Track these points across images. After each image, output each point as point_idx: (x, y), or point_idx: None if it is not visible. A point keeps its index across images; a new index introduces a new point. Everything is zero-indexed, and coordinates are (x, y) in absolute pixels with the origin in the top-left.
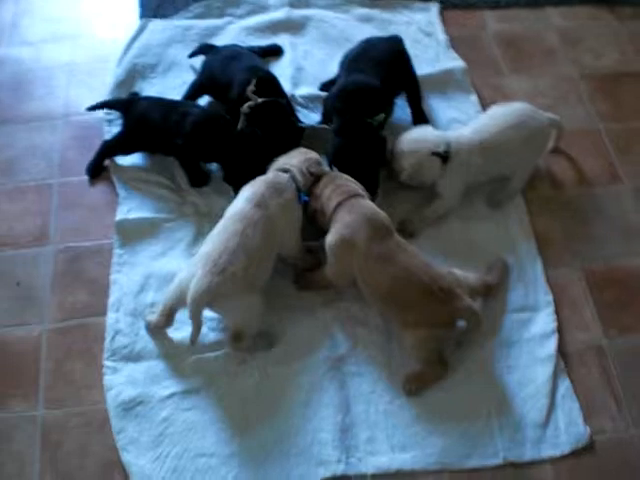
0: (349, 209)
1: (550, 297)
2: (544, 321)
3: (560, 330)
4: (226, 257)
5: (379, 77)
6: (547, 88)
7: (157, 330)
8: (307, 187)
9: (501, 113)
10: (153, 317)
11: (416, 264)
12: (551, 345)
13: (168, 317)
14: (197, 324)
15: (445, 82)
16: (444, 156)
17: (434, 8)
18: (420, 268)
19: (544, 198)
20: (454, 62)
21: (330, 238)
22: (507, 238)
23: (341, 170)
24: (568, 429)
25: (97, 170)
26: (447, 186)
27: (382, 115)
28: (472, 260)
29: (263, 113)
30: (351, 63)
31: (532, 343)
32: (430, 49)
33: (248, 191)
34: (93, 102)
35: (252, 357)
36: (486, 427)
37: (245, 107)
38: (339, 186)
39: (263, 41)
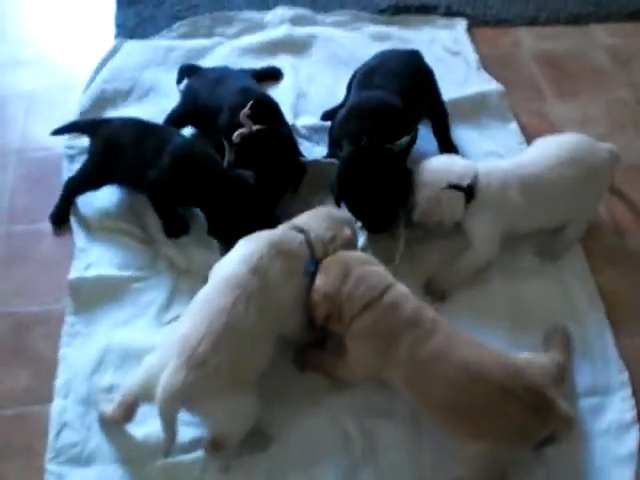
0: (383, 314)
1: (625, 376)
2: (620, 408)
3: None
4: (208, 344)
5: (399, 94)
6: (599, 115)
7: (113, 424)
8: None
9: (550, 146)
10: (109, 408)
11: (481, 356)
12: (631, 440)
13: (128, 411)
14: (171, 431)
15: (478, 108)
16: (467, 191)
17: (460, 25)
18: (489, 360)
19: (608, 249)
20: (488, 84)
21: (357, 348)
22: (565, 299)
23: (352, 209)
24: None
25: (63, 216)
26: (478, 231)
27: (406, 139)
28: (521, 328)
29: (258, 144)
30: (364, 78)
31: (606, 437)
32: (458, 70)
33: (244, 249)
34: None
35: (239, 462)
36: None
37: (236, 135)
38: (361, 279)
39: (260, 63)
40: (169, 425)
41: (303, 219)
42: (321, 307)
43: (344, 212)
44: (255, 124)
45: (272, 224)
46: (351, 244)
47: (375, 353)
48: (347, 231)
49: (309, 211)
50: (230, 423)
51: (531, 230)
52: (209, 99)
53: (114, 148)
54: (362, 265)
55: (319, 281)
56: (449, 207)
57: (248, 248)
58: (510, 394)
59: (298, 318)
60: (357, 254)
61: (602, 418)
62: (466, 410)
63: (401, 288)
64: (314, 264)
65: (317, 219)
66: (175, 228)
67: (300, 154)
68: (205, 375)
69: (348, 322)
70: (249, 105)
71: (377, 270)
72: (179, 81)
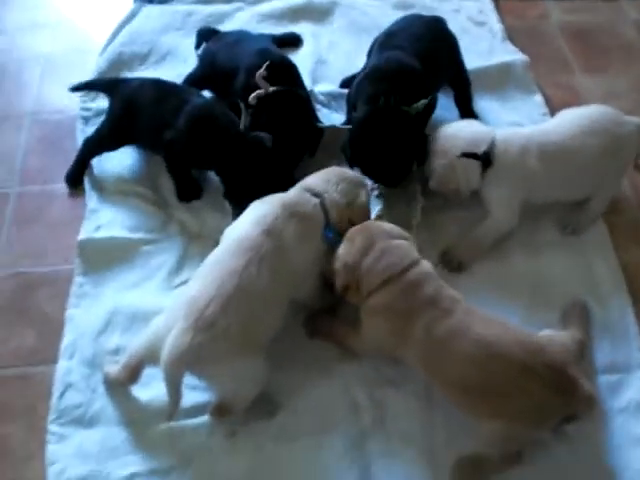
0: (402, 292)
1: None
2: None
3: None
4: (217, 305)
5: (419, 57)
6: (627, 90)
7: (117, 386)
8: (341, 230)
9: (574, 116)
10: (114, 369)
11: (500, 333)
12: None
13: (132, 373)
14: (175, 394)
15: (502, 78)
16: (483, 158)
17: None
18: (509, 338)
19: (632, 224)
20: (512, 55)
21: (372, 324)
22: (587, 274)
23: (364, 169)
24: None
25: (78, 177)
26: (495, 199)
27: (423, 102)
28: (540, 303)
29: (275, 106)
30: (384, 40)
31: (625, 415)
32: (482, 41)
33: (258, 210)
34: (68, 99)
35: (246, 428)
36: None
37: (252, 97)
38: (384, 254)
39: (279, 30)
40: (174, 388)
41: (317, 181)
42: (340, 277)
43: (358, 174)
44: (272, 85)
45: (290, 188)
46: (366, 212)
47: (390, 331)
48: (363, 197)
49: (322, 171)
50: (237, 387)
51: (551, 201)
52: (226, 61)
53: (133, 108)
54: (387, 238)
55: (342, 249)
56: (464, 175)
57: (262, 210)
58: (530, 372)
59: (312, 283)
60: (385, 225)
61: (621, 396)
62: (485, 388)
63: (425, 266)
64: (332, 230)
65: (332, 182)
66: (188, 192)
67: (317, 119)
68: (212, 337)
69: (365, 296)
70: (265, 66)
71: (402, 245)
72: (198, 45)
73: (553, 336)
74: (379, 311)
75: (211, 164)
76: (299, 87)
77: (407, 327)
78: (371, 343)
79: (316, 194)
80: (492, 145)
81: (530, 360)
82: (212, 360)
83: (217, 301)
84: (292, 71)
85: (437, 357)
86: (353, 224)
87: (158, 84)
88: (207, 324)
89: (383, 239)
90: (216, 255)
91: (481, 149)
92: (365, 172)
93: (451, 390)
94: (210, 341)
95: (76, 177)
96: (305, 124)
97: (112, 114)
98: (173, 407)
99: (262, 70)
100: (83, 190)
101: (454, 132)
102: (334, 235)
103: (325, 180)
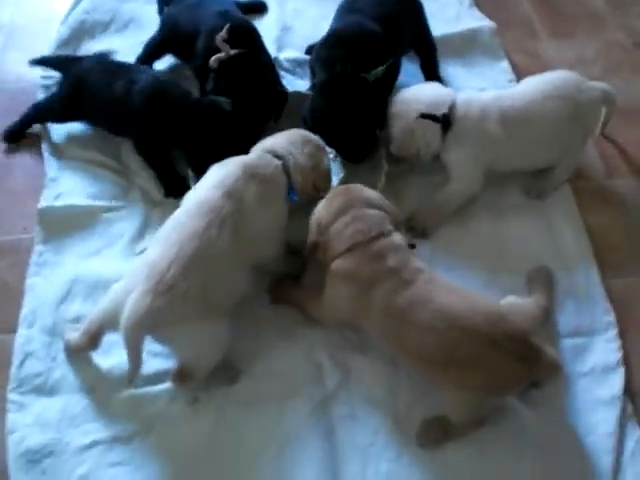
0: (366, 261)
1: (611, 317)
2: (604, 349)
3: (626, 362)
4: (177, 269)
5: (380, 20)
6: (594, 56)
7: (78, 353)
8: (305, 197)
9: (537, 81)
10: (74, 336)
11: (462, 303)
12: (615, 382)
13: (93, 338)
14: (135, 358)
15: (468, 45)
16: (442, 121)
17: None
18: (469, 307)
19: (597, 189)
20: (479, 22)
21: (333, 288)
22: (552, 239)
23: (324, 138)
24: None
25: (17, 135)
26: (456, 162)
27: (381, 68)
28: (504, 268)
29: (237, 69)
30: (348, 4)
31: (589, 379)
32: (449, 7)
33: (217, 173)
34: (30, 68)
35: (207, 394)
36: None
37: (213, 60)
38: (356, 220)
39: None
40: (134, 352)
41: (281, 142)
42: (312, 234)
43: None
44: (232, 48)
45: None
46: (329, 176)
47: (350, 299)
48: (326, 161)
49: (285, 132)
50: (199, 352)
51: (515, 168)
52: (188, 23)
53: (82, 90)
54: (364, 206)
55: (320, 207)
56: (423, 138)
57: (222, 172)
58: (493, 342)
59: (274, 246)
60: (368, 192)
61: (586, 359)
62: (447, 359)
63: (395, 238)
64: (295, 192)
65: (297, 144)
66: (175, 186)
67: (281, 84)
68: (172, 300)
69: (330, 259)
70: (225, 29)
71: (376, 215)
72: (160, 10)
73: (516, 304)
74: (341, 277)
75: (174, 139)
76: (260, 50)
77: (367, 296)
78: (331, 310)
79: (278, 156)
80: (452, 108)
81: (492, 330)
82: (172, 323)
83: (177, 264)
84: (253, 34)
85: (397, 328)
86: (317, 188)
87: (105, 66)
88: (167, 287)
89: (360, 206)
90: (176, 218)
91: (441, 111)
92: (325, 141)
93: (414, 360)
94: (170, 304)
95: (15, 134)
96: (268, 87)
97: (62, 92)
98: (133, 371)
99: (222, 33)
100: (42, 157)
101: (414, 95)
102: (298, 198)
103: (289, 142)
